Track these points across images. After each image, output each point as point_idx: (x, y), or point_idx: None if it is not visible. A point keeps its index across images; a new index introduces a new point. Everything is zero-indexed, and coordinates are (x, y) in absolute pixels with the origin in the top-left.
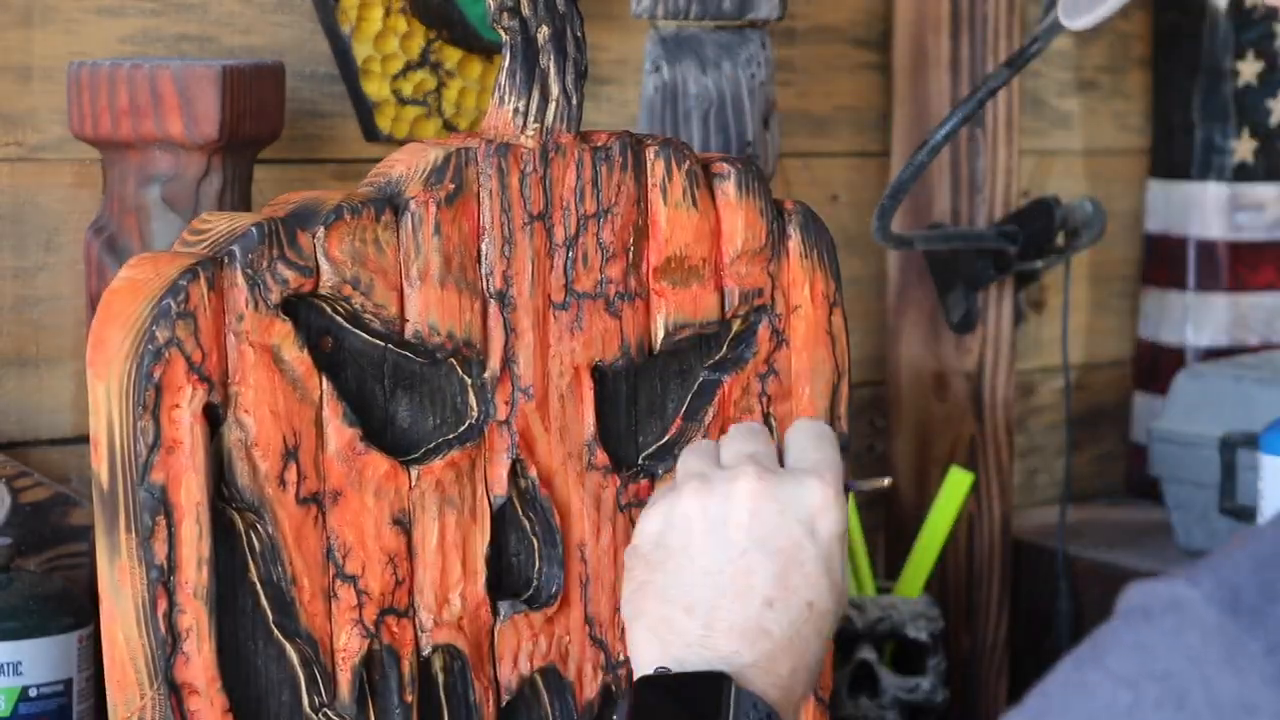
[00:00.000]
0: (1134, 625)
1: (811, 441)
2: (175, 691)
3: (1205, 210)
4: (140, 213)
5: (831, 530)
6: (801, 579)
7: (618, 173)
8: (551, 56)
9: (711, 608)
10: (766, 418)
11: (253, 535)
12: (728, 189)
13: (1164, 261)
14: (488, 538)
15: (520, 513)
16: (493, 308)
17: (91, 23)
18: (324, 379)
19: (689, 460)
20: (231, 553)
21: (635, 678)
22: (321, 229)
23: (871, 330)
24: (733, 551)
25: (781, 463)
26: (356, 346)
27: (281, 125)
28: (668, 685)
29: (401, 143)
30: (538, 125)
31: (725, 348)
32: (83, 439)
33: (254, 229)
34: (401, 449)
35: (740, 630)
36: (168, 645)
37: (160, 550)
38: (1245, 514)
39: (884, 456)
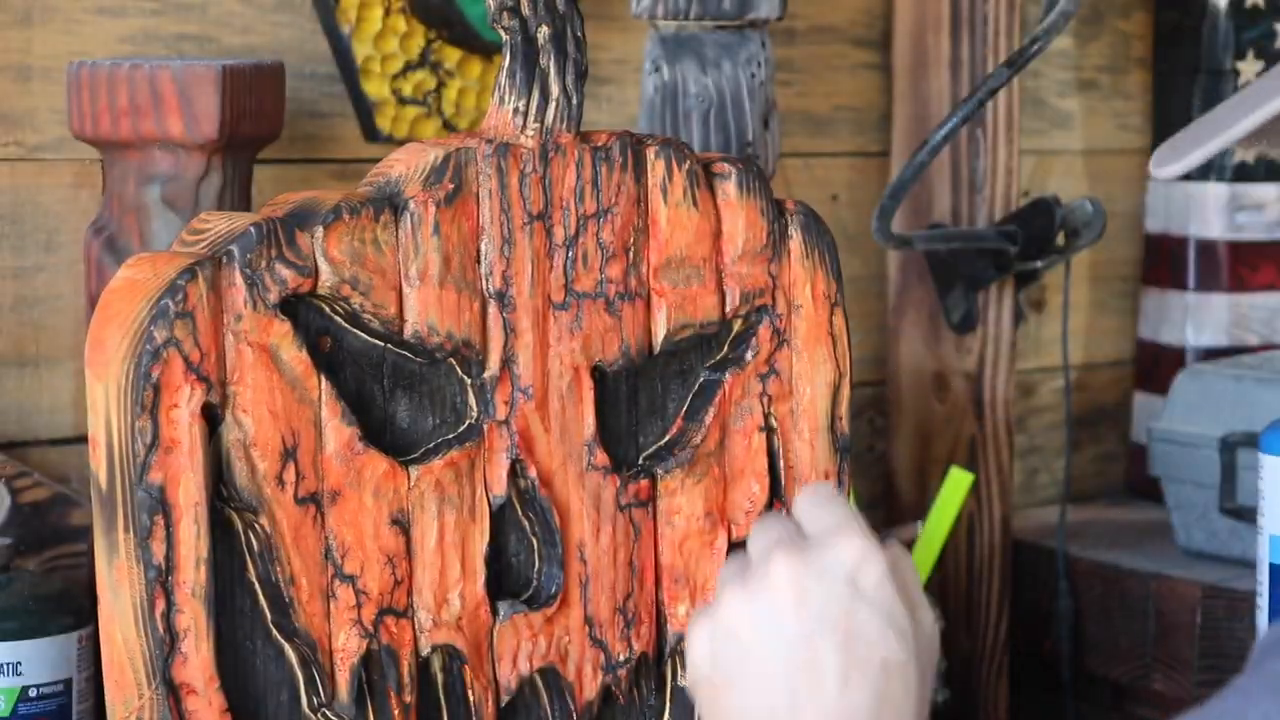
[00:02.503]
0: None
1: (822, 507)
2: (173, 691)
3: (1205, 210)
4: (140, 213)
5: (876, 577)
6: (866, 642)
7: (618, 173)
8: (551, 56)
9: (791, 709)
10: (767, 418)
11: (251, 535)
12: (728, 189)
13: (1164, 261)
14: (487, 538)
15: (520, 513)
16: (492, 308)
17: (91, 23)
18: (323, 379)
19: (724, 571)
20: (230, 552)
21: None
22: (320, 229)
23: (871, 330)
24: (792, 642)
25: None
26: (355, 346)
27: (281, 125)
28: None
29: (401, 143)
30: (538, 125)
31: (726, 348)
32: (82, 439)
33: (252, 229)
34: (400, 449)
35: (828, 718)
36: (166, 645)
37: (158, 550)
38: (1245, 514)
39: (884, 456)
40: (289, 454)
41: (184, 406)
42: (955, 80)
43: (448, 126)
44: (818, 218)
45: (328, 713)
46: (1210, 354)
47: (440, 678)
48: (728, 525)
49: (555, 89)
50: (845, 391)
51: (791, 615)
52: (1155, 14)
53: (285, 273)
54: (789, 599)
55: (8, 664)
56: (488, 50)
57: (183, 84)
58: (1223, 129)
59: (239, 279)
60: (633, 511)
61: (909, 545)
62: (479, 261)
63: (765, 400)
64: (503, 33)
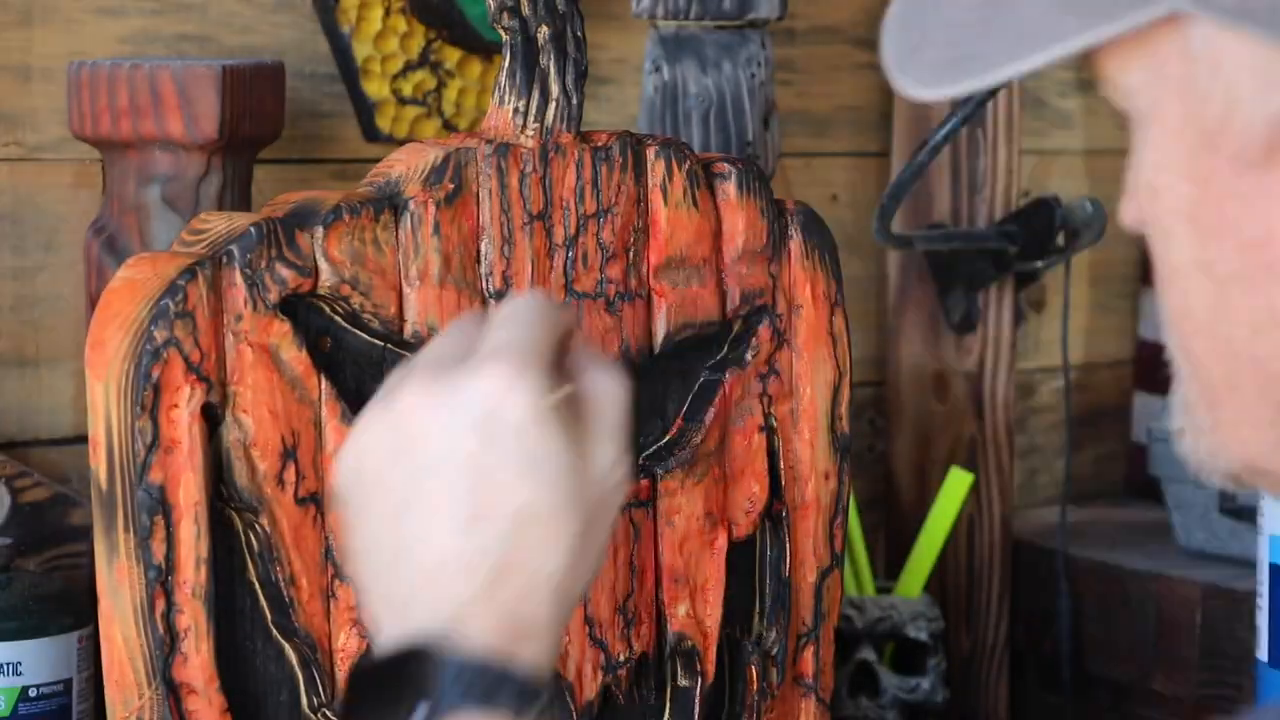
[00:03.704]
0: None
1: (502, 324)
2: (173, 691)
3: None
4: (140, 213)
5: (519, 418)
6: (494, 488)
7: (618, 173)
8: (551, 56)
9: (406, 549)
10: (767, 418)
11: (251, 535)
12: (729, 189)
13: None
14: None
15: None
16: (492, 308)
17: (91, 23)
18: (323, 379)
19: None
20: (230, 552)
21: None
22: (320, 229)
23: (871, 330)
24: (414, 478)
25: None
26: (355, 346)
27: (281, 125)
28: (372, 674)
29: (401, 143)
30: (538, 125)
31: (726, 348)
32: (82, 439)
33: (252, 229)
34: None
35: (440, 573)
36: (166, 645)
37: (159, 550)
38: (1245, 514)
39: (884, 456)
40: (289, 454)
41: (184, 406)
42: None
43: (448, 126)
44: (818, 218)
45: (328, 713)
46: None
47: None
48: (728, 525)
49: (555, 89)
50: (845, 391)
51: (414, 456)
52: None
53: (285, 273)
54: (414, 430)
55: (8, 664)
56: (488, 50)
57: (183, 84)
58: (1004, 60)
59: (239, 279)
60: (632, 511)
61: (905, 535)
62: (479, 261)
63: (765, 400)
64: (503, 33)
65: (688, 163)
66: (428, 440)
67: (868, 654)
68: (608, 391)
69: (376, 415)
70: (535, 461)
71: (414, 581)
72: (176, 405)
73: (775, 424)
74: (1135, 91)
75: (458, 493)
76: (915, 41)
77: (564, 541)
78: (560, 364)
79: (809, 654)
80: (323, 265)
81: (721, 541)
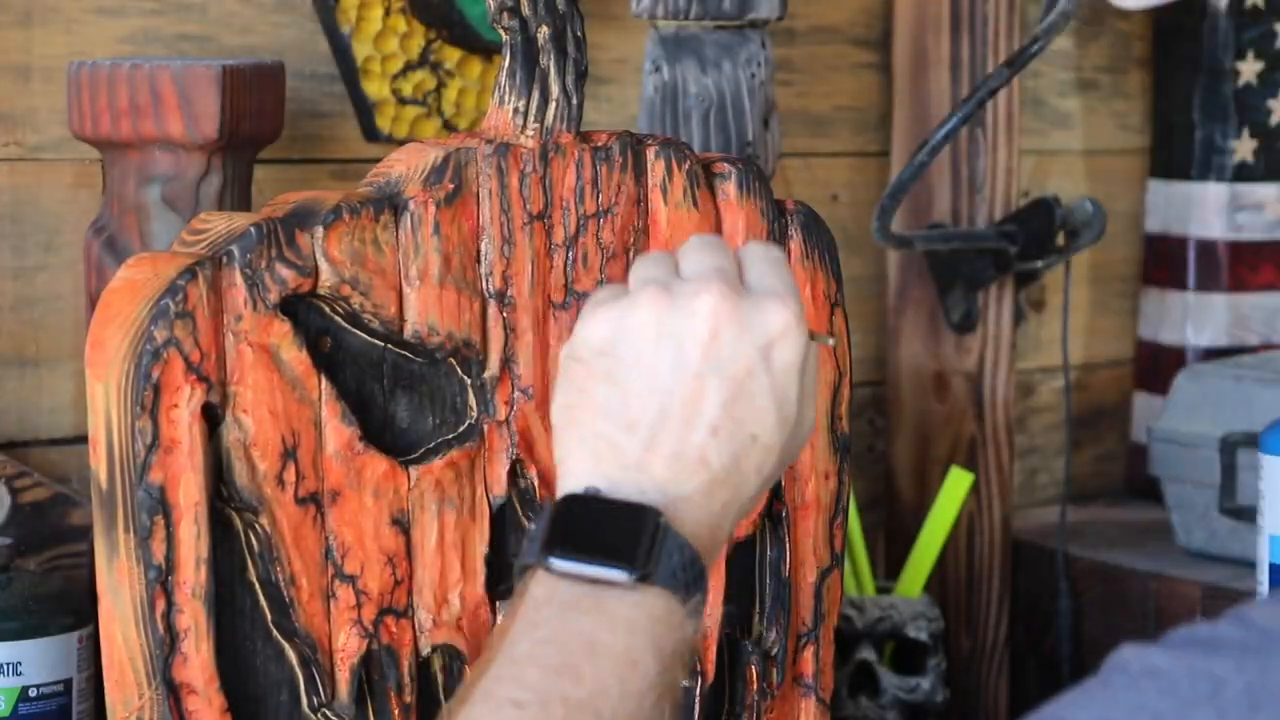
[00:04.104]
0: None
1: (770, 266)
2: (173, 691)
3: (1205, 210)
4: (140, 213)
5: (789, 359)
6: (750, 410)
7: (618, 173)
8: (551, 56)
9: (654, 429)
10: None
11: (251, 535)
12: (729, 189)
13: (1164, 261)
14: (487, 538)
15: (520, 513)
16: (492, 308)
17: (91, 23)
18: (323, 379)
19: (646, 267)
20: (230, 553)
21: (561, 492)
22: (320, 229)
23: (871, 330)
24: (685, 372)
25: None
26: (355, 346)
27: (281, 125)
28: (595, 507)
29: (401, 143)
30: (538, 125)
31: None
32: (83, 439)
33: (252, 229)
34: (400, 449)
35: (681, 457)
36: (166, 645)
37: (159, 550)
38: (1245, 514)
39: (884, 456)
40: (289, 454)
41: (184, 406)
42: (955, 80)
43: (448, 126)
44: (818, 218)
45: (328, 713)
46: (1210, 354)
47: (440, 678)
48: None
49: (555, 89)
50: (845, 391)
51: (698, 348)
52: (1155, 14)
53: (285, 273)
54: (704, 332)
55: (8, 664)
56: (488, 50)
57: (183, 84)
58: None
59: (239, 279)
60: None
61: (905, 535)
62: (479, 261)
63: None
64: (503, 33)
65: (688, 163)
66: (713, 345)
67: (868, 654)
68: (817, 358)
69: (655, 296)
70: (785, 400)
71: (639, 453)
72: (176, 405)
73: None
74: None
75: (720, 399)
76: None
77: (768, 474)
78: None
79: (809, 654)
80: (323, 265)
81: None
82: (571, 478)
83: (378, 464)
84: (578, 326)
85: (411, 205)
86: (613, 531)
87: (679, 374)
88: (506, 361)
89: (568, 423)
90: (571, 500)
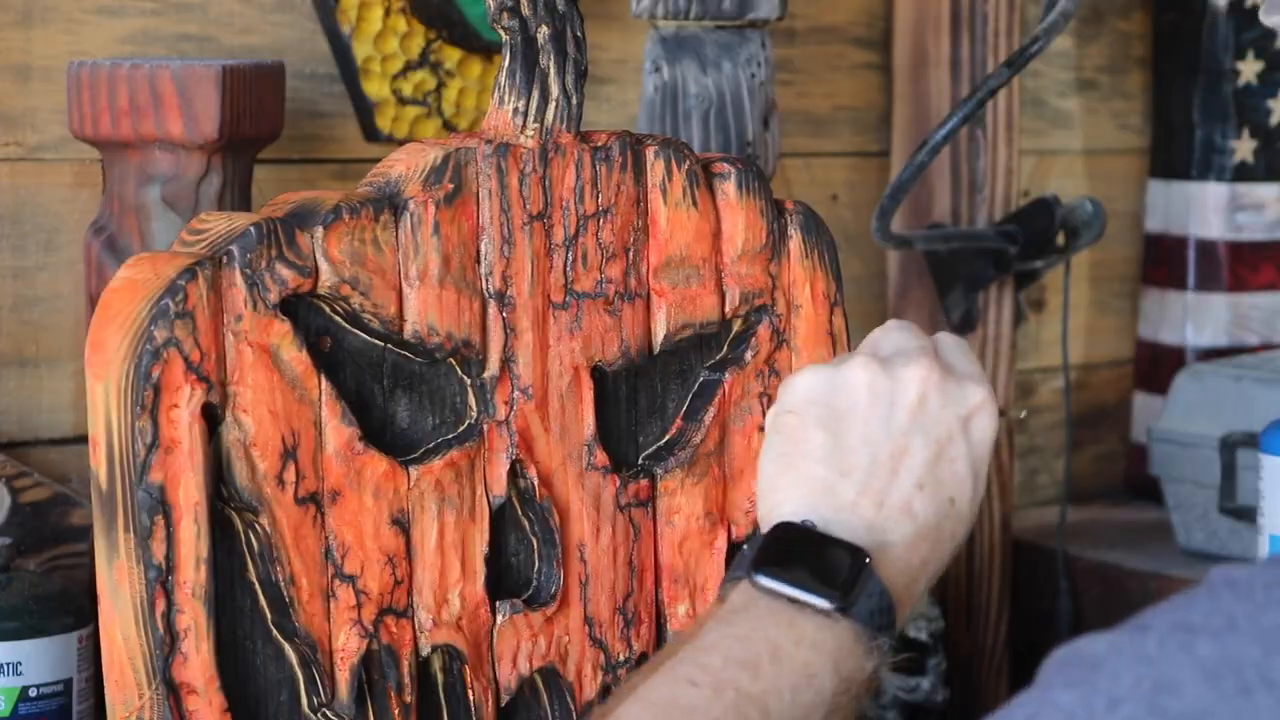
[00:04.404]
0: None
1: (963, 352)
2: (174, 691)
3: (1205, 210)
4: (140, 213)
5: (985, 434)
6: (950, 473)
7: (617, 173)
8: (551, 56)
9: (867, 476)
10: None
11: (251, 535)
12: (728, 189)
13: (1164, 261)
14: (487, 538)
15: (519, 513)
16: (492, 308)
17: (91, 23)
18: (323, 379)
19: (871, 336)
20: (230, 552)
21: (776, 522)
22: (320, 229)
23: (871, 330)
24: (894, 429)
25: None
26: (355, 346)
27: (281, 125)
28: (808, 537)
29: (401, 143)
30: (537, 125)
31: (725, 348)
32: (83, 439)
33: (252, 229)
34: (400, 449)
35: (890, 506)
36: (166, 645)
37: (159, 550)
38: (1245, 514)
39: None
40: (289, 454)
41: (184, 406)
42: (955, 80)
43: (448, 126)
44: (818, 218)
45: (328, 713)
46: (1210, 354)
47: (440, 678)
48: (727, 525)
49: (555, 89)
50: None
51: (906, 409)
52: (1155, 14)
53: (285, 273)
54: (912, 396)
55: (8, 664)
56: (488, 50)
57: (183, 84)
58: None
59: (239, 279)
60: (632, 511)
61: None
62: (479, 261)
63: (765, 400)
64: (503, 33)
65: (687, 163)
66: (920, 409)
67: None
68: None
69: (867, 362)
70: (980, 472)
71: (853, 497)
72: (176, 405)
73: None
74: None
75: (925, 458)
76: None
77: (957, 542)
78: None
79: None
80: (323, 265)
81: (721, 541)
82: (786, 508)
83: (378, 464)
84: (785, 386)
85: (411, 205)
86: (821, 562)
87: (889, 429)
88: (506, 361)
89: (783, 468)
90: (786, 528)
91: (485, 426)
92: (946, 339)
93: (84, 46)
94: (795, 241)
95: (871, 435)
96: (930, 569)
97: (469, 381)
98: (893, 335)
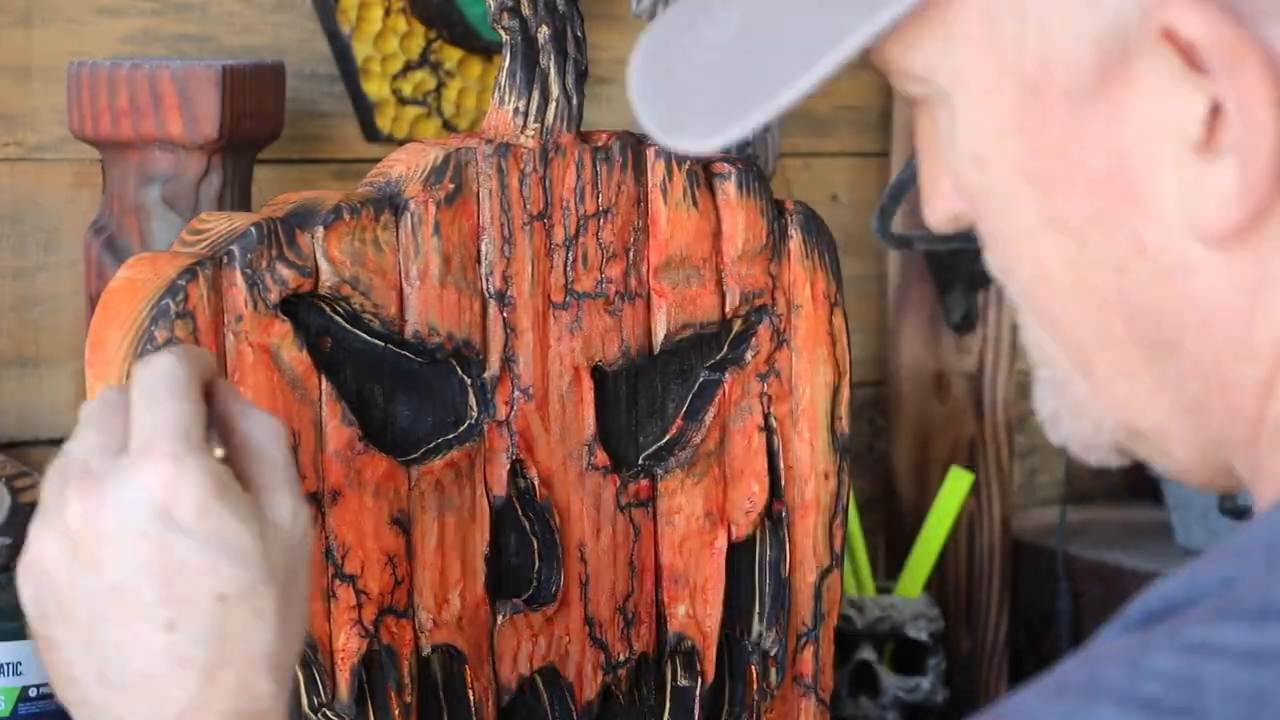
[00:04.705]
0: None
1: (142, 403)
2: None
3: None
4: (140, 213)
5: (194, 505)
6: (191, 580)
7: (618, 173)
8: (551, 56)
9: (112, 666)
10: (767, 418)
11: None
12: (728, 189)
13: None
14: (487, 538)
15: (520, 513)
16: (492, 308)
17: (91, 23)
18: (323, 379)
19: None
20: None
21: None
22: (321, 229)
23: (871, 330)
24: (102, 593)
25: None
26: (356, 346)
27: (281, 125)
28: None
29: (401, 143)
30: (538, 125)
31: (725, 348)
32: None
33: (252, 229)
34: (401, 449)
35: (150, 683)
36: None
37: None
38: (1245, 514)
39: (884, 456)
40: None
41: None
42: None
43: (448, 126)
44: (818, 218)
45: (328, 713)
46: None
47: (440, 678)
48: (728, 525)
49: (555, 89)
50: (845, 391)
51: (94, 561)
52: None
53: (286, 273)
54: (90, 541)
55: (8, 664)
56: (488, 50)
57: (183, 84)
58: (785, 81)
59: (239, 279)
60: (633, 511)
61: (905, 535)
62: (479, 261)
63: (765, 400)
64: (503, 33)
65: (687, 163)
66: (105, 549)
67: (868, 654)
68: (268, 437)
69: (46, 529)
70: (223, 541)
71: (125, 697)
72: None
73: (775, 424)
74: (931, 68)
75: (151, 596)
76: (674, 95)
77: (271, 613)
78: (213, 419)
79: (809, 654)
80: (323, 265)
81: (721, 541)
82: None
83: (378, 464)
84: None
85: (412, 205)
86: None
87: (97, 600)
88: (506, 361)
89: (68, 704)
90: None
91: (485, 426)
92: (131, 390)
93: (84, 46)
94: (795, 241)
95: (86, 623)
96: (258, 666)
97: (469, 382)
98: (55, 475)
